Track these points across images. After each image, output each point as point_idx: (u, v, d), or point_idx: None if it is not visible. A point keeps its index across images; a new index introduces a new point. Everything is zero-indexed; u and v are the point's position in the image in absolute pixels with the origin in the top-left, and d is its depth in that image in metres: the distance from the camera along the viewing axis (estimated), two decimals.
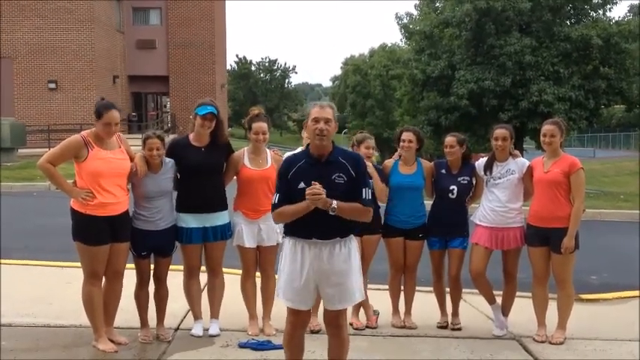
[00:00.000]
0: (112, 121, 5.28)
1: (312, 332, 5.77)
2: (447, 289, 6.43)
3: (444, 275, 6.40)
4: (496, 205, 6.04)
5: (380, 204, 6.27)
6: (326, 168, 4.30)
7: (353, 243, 4.43)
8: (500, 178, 6.05)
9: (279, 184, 4.45)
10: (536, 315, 6.10)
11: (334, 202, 4.15)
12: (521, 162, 6.11)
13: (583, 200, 5.83)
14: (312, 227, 4.25)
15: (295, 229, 4.33)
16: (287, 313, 4.53)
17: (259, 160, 5.91)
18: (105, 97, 5.40)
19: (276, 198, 4.40)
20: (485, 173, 6.14)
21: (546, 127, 5.96)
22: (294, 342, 4.57)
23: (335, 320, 4.46)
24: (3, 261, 8.33)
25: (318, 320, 5.69)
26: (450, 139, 6.24)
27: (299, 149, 6.14)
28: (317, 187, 4.12)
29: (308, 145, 4.52)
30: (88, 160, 5.24)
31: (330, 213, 4.16)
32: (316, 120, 4.29)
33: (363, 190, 4.33)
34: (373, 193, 6.09)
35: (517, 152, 6.21)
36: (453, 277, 6.29)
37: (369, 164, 6.17)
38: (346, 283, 4.36)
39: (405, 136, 6.25)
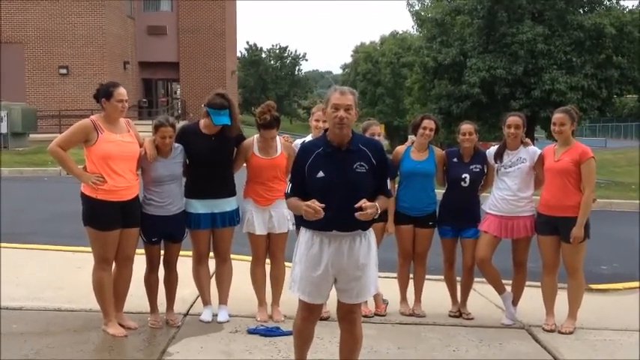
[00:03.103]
0: (123, 97, 5.34)
1: (321, 319, 5.77)
2: (458, 278, 6.43)
3: (455, 264, 6.39)
4: (507, 194, 6.01)
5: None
6: (347, 156, 4.07)
7: (372, 235, 4.25)
8: (511, 166, 6.02)
9: (294, 173, 4.27)
10: (545, 304, 6.08)
11: (378, 208, 3.97)
12: (532, 150, 6.07)
13: (593, 189, 5.79)
14: (332, 219, 3.96)
15: (313, 220, 3.99)
16: (299, 308, 4.33)
17: (269, 148, 5.88)
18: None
19: (289, 188, 4.25)
20: (495, 161, 6.11)
21: (556, 116, 5.90)
22: (304, 334, 4.45)
23: (349, 314, 4.27)
24: (14, 245, 8.38)
25: (328, 307, 5.68)
26: (468, 127, 6.21)
27: (309, 137, 6.12)
28: (367, 206, 3.88)
29: (326, 130, 4.25)
30: (97, 143, 5.25)
31: (375, 217, 4.02)
32: (336, 107, 4.01)
33: (387, 182, 4.23)
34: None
35: (528, 140, 6.16)
36: (468, 268, 6.27)
37: None
38: (365, 277, 4.16)
39: (427, 123, 6.22)
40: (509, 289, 6.24)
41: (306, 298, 4.24)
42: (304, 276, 4.18)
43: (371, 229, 4.25)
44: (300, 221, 4.24)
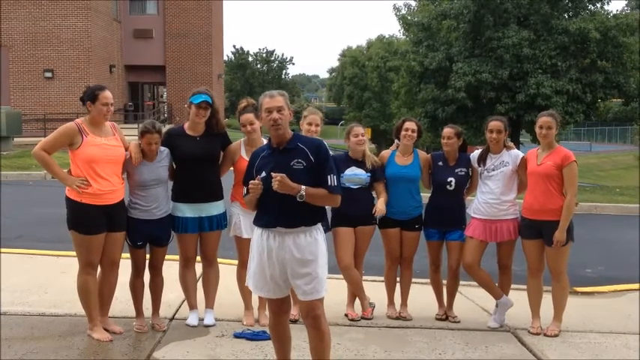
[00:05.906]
0: (109, 100, 5.31)
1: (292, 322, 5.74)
2: (444, 281, 6.44)
3: (441, 267, 6.41)
4: (489, 198, 6.03)
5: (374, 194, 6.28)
6: (284, 155, 4.31)
7: (320, 233, 4.36)
8: (493, 169, 6.05)
9: (245, 176, 4.51)
10: (531, 307, 6.11)
11: (302, 188, 4.14)
12: (515, 154, 6.10)
13: (575, 193, 5.82)
14: (276, 216, 4.24)
15: (261, 217, 4.34)
16: (267, 302, 4.55)
17: None
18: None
19: (245, 190, 4.45)
20: (479, 165, 6.14)
21: (543, 119, 5.93)
22: (278, 331, 4.56)
23: (310, 311, 4.32)
24: None
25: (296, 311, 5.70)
26: (447, 131, 6.25)
27: None
28: (279, 175, 4.13)
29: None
30: (82, 146, 5.22)
31: (298, 199, 4.14)
32: (269, 110, 4.32)
33: (329, 176, 4.29)
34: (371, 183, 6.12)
35: (511, 144, 6.20)
36: (453, 270, 6.29)
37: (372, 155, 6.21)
38: (314, 274, 4.27)
39: (408, 125, 6.28)
40: None
41: (259, 293, 4.53)
42: (256, 271, 4.41)
43: (319, 226, 4.36)
44: (254, 219, 4.45)
